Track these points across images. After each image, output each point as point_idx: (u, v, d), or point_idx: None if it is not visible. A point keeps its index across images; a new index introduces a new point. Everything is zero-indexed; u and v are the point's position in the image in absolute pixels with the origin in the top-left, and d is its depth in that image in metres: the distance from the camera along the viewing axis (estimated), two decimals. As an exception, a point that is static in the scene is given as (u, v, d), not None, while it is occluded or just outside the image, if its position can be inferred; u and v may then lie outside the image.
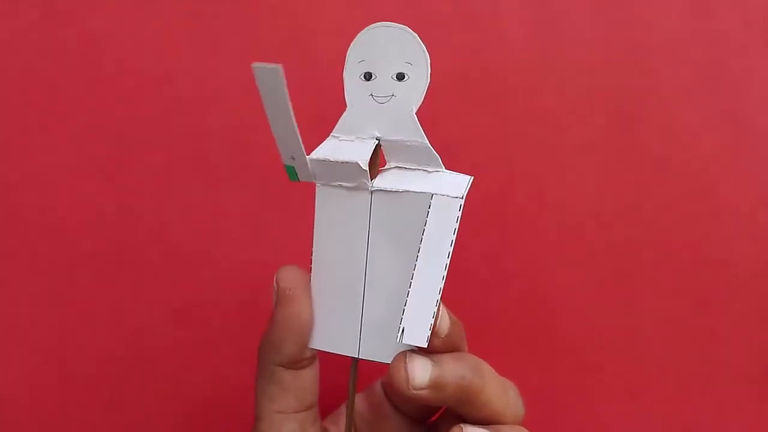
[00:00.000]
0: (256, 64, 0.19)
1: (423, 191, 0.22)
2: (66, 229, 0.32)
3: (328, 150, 0.23)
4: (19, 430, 0.32)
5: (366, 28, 0.23)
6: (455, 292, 0.33)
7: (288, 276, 0.23)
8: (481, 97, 0.33)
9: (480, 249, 0.33)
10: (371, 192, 0.23)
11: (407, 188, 0.23)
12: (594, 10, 0.34)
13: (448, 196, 0.22)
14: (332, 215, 0.23)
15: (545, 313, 0.33)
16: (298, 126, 0.21)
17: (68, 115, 0.32)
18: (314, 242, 0.24)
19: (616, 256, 0.34)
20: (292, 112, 0.21)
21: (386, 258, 0.23)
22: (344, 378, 0.25)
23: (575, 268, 0.34)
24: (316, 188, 0.24)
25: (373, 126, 0.23)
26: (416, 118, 0.23)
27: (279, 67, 0.19)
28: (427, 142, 0.23)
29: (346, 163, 0.22)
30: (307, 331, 0.23)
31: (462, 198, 0.22)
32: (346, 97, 0.24)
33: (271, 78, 0.19)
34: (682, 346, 0.34)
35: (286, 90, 0.20)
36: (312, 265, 0.24)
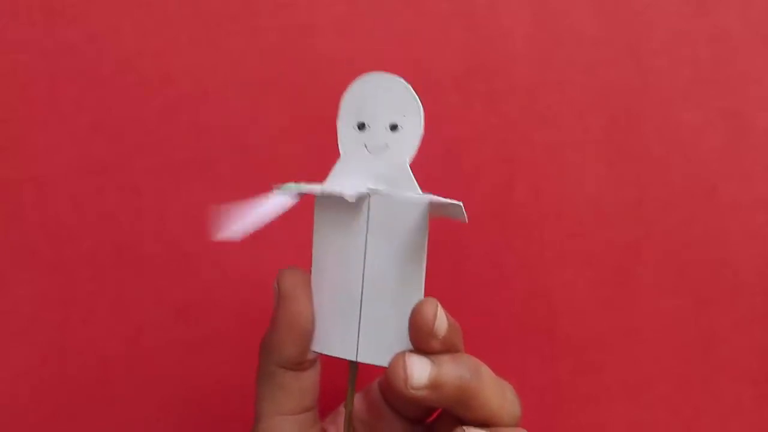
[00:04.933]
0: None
1: (420, 195, 0.22)
2: (66, 229, 0.32)
3: (319, 186, 0.23)
4: (18, 430, 0.32)
5: (359, 78, 0.23)
6: (455, 292, 0.33)
7: (289, 277, 0.24)
8: (482, 96, 0.33)
9: (480, 249, 0.33)
10: (369, 196, 0.23)
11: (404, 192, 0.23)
12: (594, 10, 0.34)
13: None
14: (330, 219, 0.24)
15: (545, 313, 0.33)
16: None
17: (68, 115, 0.32)
18: (313, 245, 0.24)
19: (616, 256, 0.34)
20: None
21: (383, 261, 0.23)
22: (342, 378, 0.25)
23: (575, 268, 0.34)
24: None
25: (367, 177, 0.23)
26: (410, 170, 0.23)
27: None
28: (420, 192, 0.23)
29: (334, 194, 0.22)
30: (308, 332, 0.23)
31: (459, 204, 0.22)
32: (339, 146, 0.24)
33: None
34: (682, 346, 0.34)
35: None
36: (311, 268, 0.24)
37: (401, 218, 0.22)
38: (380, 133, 0.23)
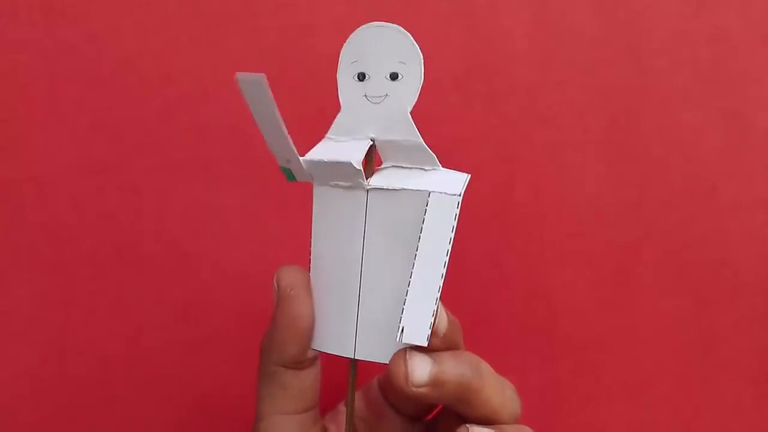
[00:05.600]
0: (239, 75, 0.19)
1: (419, 189, 0.22)
2: (66, 229, 0.32)
3: (323, 151, 0.23)
4: (18, 430, 0.32)
5: (358, 29, 0.23)
6: (455, 292, 0.33)
7: (289, 275, 0.23)
8: (482, 96, 0.33)
9: (480, 249, 0.33)
10: (367, 191, 0.23)
11: (403, 186, 0.22)
12: (594, 10, 0.34)
13: (445, 193, 0.22)
14: (329, 215, 0.23)
15: (545, 313, 0.33)
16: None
17: (68, 115, 0.32)
18: (312, 242, 0.24)
19: (616, 256, 0.34)
20: (281, 120, 0.20)
21: (382, 257, 0.23)
22: (342, 376, 0.25)
23: (575, 268, 0.34)
24: (314, 188, 0.24)
25: (368, 126, 0.23)
26: (411, 118, 0.23)
27: (262, 77, 0.19)
28: (422, 141, 0.22)
29: (340, 162, 0.22)
30: (308, 330, 0.23)
31: (459, 195, 0.22)
32: (340, 97, 0.23)
33: (256, 89, 0.19)
34: (682, 346, 0.34)
35: (272, 99, 0.20)
36: (310, 265, 0.24)
37: (400, 212, 0.22)
38: (380, 83, 0.23)
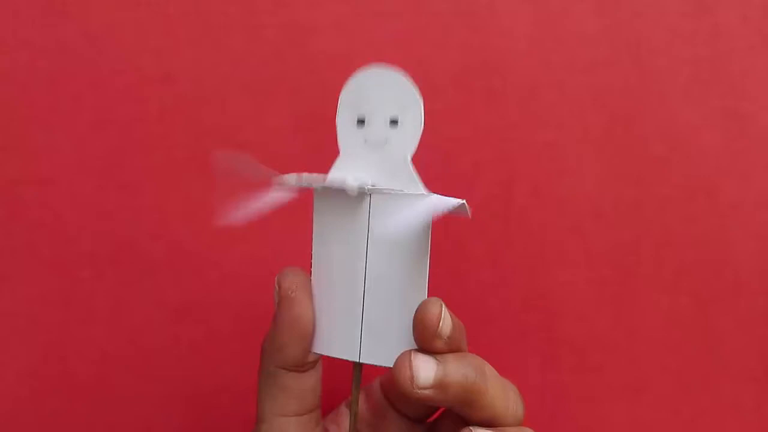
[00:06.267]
0: (216, 159, 0.19)
1: (422, 192, 0.22)
2: (66, 229, 0.32)
3: (321, 175, 0.23)
4: (19, 430, 0.32)
5: (357, 72, 0.23)
6: (455, 292, 0.33)
7: (289, 278, 0.23)
8: (481, 96, 0.33)
9: (480, 249, 0.33)
10: (369, 194, 0.23)
11: (405, 191, 0.22)
12: (594, 10, 0.34)
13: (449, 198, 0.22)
14: (330, 218, 0.23)
15: (545, 313, 0.33)
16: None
17: (68, 115, 0.32)
18: (313, 245, 0.24)
19: (616, 256, 0.34)
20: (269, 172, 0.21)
21: (386, 260, 0.23)
22: (342, 377, 0.25)
23: (575, 268, 0.34)
24: (314, 191, 0.24)
25: (367, 172, 0.23)
26: (411, 165, 0.22)
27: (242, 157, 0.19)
28: (423, 189, 0.22)
29: (335, 185, 0.22)
30: (309, 333, 0.23)
31: (462, 201, 0.22)
32: (339, 142, 0.23)
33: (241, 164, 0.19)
34: (682, 345, 0.34)
35: (259, 167, 0.20)
36: (312, 269, 0.24)
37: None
38: (380, 128, 0.23)
